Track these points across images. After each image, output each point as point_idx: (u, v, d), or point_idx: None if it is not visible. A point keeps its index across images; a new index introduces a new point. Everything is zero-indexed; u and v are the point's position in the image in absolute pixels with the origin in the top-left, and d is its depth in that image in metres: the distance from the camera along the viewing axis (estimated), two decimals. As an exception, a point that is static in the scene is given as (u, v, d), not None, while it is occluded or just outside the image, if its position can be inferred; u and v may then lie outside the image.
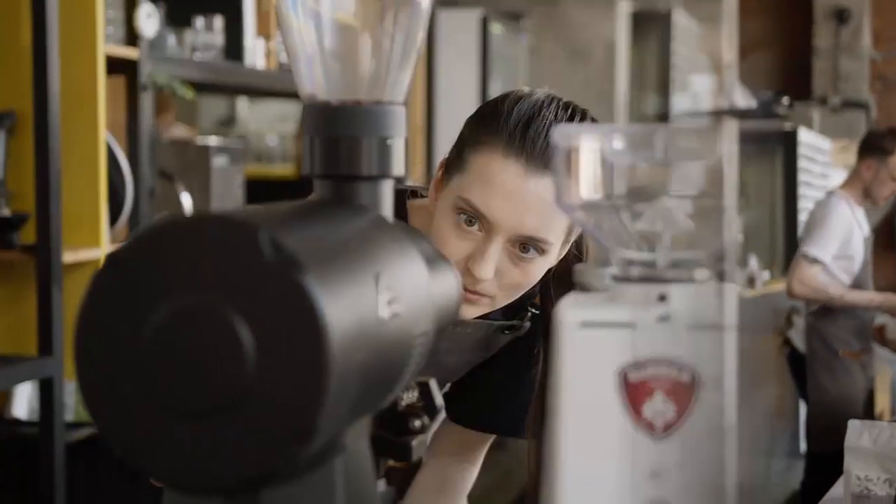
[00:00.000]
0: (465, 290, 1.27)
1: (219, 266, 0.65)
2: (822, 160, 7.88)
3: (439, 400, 0.88)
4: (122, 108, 2.81)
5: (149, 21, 2.79)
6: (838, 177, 8.62)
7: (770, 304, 5.99)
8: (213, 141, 3.32)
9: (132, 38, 2.80)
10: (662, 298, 0.73)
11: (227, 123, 5.25)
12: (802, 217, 7.25)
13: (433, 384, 0.89)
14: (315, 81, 0.88)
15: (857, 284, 4.56)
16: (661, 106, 7.42)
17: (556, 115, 1.29)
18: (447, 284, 0.91)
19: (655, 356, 0.71)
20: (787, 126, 7.06)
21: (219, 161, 3.19)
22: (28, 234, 2.52)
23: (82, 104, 2.60)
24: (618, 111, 6.18)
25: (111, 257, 0.67)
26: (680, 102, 7.19)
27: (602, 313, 0.73)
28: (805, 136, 7.34)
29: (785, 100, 6.84)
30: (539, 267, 1.30)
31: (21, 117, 2.56)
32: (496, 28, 5.44)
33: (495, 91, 6.02)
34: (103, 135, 2.63)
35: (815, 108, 6.64)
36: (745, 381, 0.75)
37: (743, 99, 6.11)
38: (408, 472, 1.46)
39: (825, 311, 4.53)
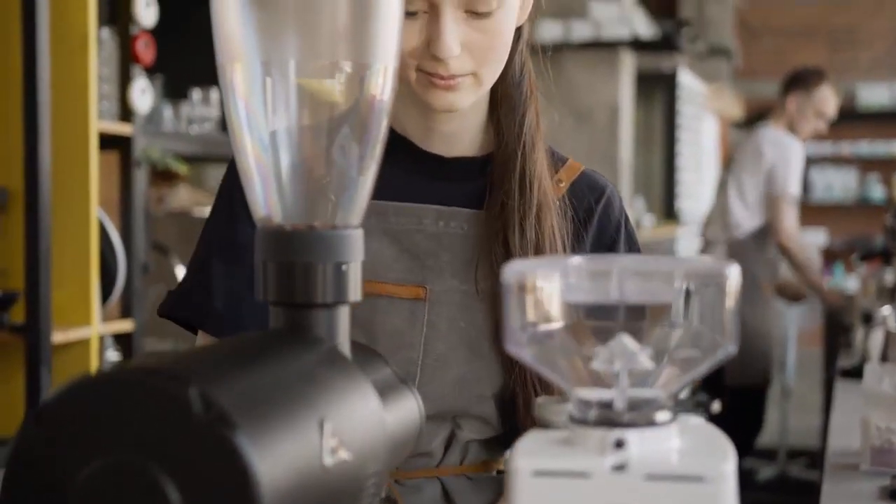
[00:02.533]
0: (442, 77, 1.19)
1: (147, 423, 0.62)
2: (698, 103, 7.94)
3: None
4: (116, 183, 2.80)
5: (143, 96, 2.79)
6: (710, 121, 8.72)
7: (658, 250, 6.06)
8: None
9: (126, 112, 2.79)
10: (619, 445, 0.70)
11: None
12: (680, 162, 7.34)
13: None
14: (269, 204, 0.85)
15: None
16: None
17: None
18: (406, 412, 0.87)
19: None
20: (667, 67, 7.08)
21: (215, 233, 3.16)
22: (18, 313, 2.50)
23: (74, 181, 2.59)
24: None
25: (38, 411, 0.64)
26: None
27: (555, 461, 0.70)
28: (684, 78, 7.35)
29: (687, 31, 6.80)
30: (504, 21, 1.20)
31: (12, 194, 2.55)
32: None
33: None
34: (95, 212, 2.62)
35: (680, 53, 6.66)
36: None
37: (645, 27, 6.08)
38: None
39: (749, 242, 4.55)
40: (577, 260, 0.77)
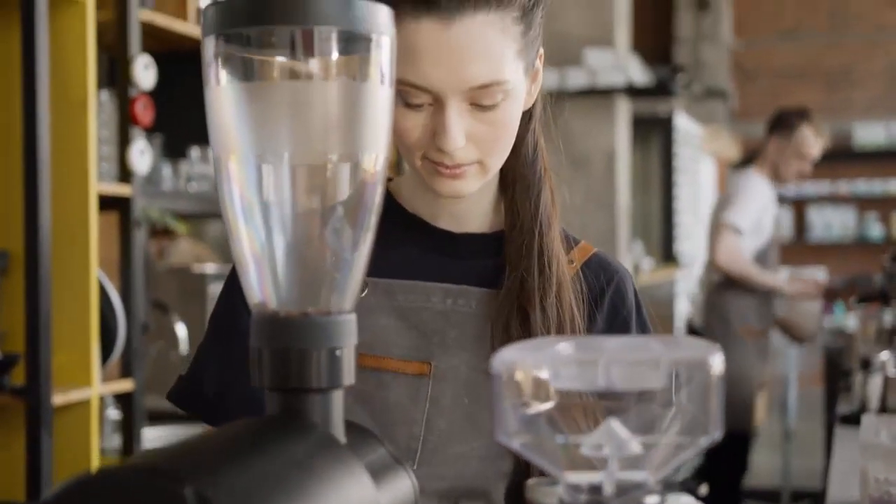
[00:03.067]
0: (447, 167, 1.19)
1: (144, 522, 0.63)
2: (695, 145, 7.98)
3: None
4: (116, 243, 2.82)
5: (142, 157, 2.82)
6: (708, 163, 8.78)
7: (658, 292, 6.08)
8: (210, 268, 3.32)
9: (126, 173, 2.82)
10: (609, 530, 0.72)
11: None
12: (678, 205, 7.38)
13: None
14: (264, 291, 0.87)
15: (760, 261, 4.62)
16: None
17: None
18: (400, 493, 0.89)
19: None
20: (663, 111, 7.12)
21: (215, 289, 3.19)
22: (18, 376, 2.51)
23: (75, 242, 2.61)
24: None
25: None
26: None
27: (546, 548, 0.71)
28: (680, 122, 7.40)
29: (681, 77, 6.84)
30: (510, 111, 1.19)
31: (13, 257, 2.57)
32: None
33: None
34: (95, 273, 2.64)
35: (678, 95, 6.72)
36: None
37: (639, 74, 6.11)
38: None
39: (727, 286, 4.57)
40: (564, 347, 0.78)
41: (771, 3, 10.32)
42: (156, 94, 2.89)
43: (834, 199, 10.32)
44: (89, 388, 2.62)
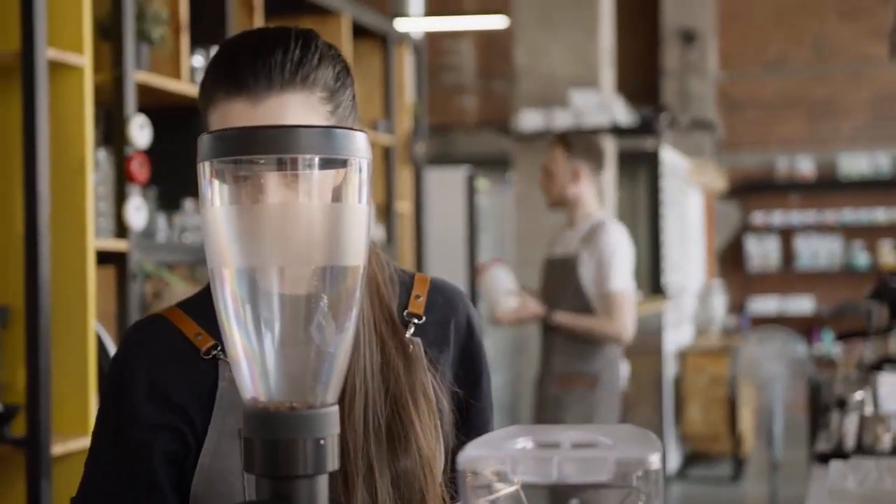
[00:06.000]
0: None
1: None
2: (682, 178, 8.08)
3: None
4: (113, 296, 2.91)
5: (138, 214, 2.91)
6: (695, 195, 8.89)
7: (646, 325, 6.17)
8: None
9: (122, 229, 2.91)
10: None
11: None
12: (666, 237, 7.47)
13: None
14: (255, 387, 0.97)
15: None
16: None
17: (260, 36, 1.26)
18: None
19: None
20: (649, 146, 7.22)
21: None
22: (19, 427, 2.60)
23: (73, 297, 2.70)
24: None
25: None
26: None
27: None
28: (666, 155, 7.50)
29: (664, 116, 6.93)
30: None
31: (13, 312, 2.65)
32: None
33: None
34: (93, 325, 2.73)
35: (662, 134, 6.81)
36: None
37: (624, 114, 6.26)
38: None
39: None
40: (523, 443, 0.87)
41: (756, 35, 10.47)
42: (150, 148, 2.99)
43: (820, 228, 10.44)
44: (87, 438, 2.70)
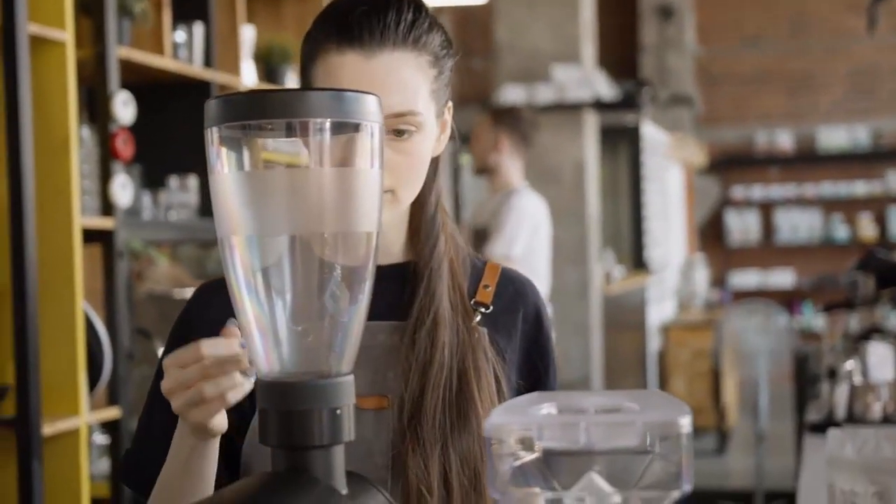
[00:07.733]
0: None
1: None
2: (662, 153, 8.11)
3: None
4: (100, 275, 2.88)
5: (123, 191, 2.88)
6: (675, 170, 8.92)
7: (629, 300, 6.20)
8: (189, 293, 3.37)
9: (108, 206, 2.88)
10: (588, 576, 0.79)
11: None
12: (647, 212, 7.50)
13: None
14: (269, 358, 0.95)
15: None
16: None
17: None
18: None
19: None
20: (630, 121, 7.24)
21: (196, 314, 3.24)
22: (8, 407, 2.57)
23: (60, 276, 2.67)
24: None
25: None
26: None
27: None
28: (647, 131, 7.53)
29: (646, 90, 6.96)
30: (422, 145, 1.26)
31: (0, 292, 2.62)
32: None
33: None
34: (81, 304, 2.70)
35: (644, 108, 6.83)
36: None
37: (606, 88, 6.27)
38: None
39: None
40: (547, 409, 0.86)
41: (733, 10, 10.46)
42: (134, 126, 2.95)
43: (800, 202, 10.47)
44: (77, 417, 2.68)
